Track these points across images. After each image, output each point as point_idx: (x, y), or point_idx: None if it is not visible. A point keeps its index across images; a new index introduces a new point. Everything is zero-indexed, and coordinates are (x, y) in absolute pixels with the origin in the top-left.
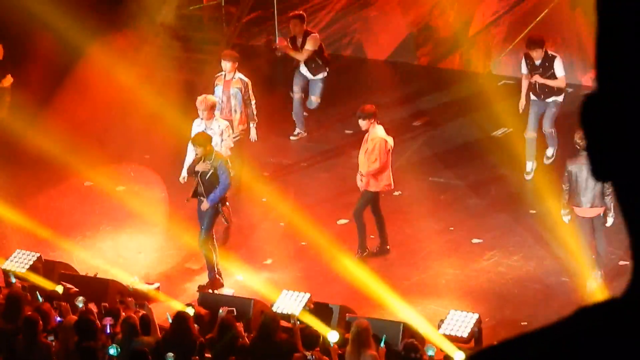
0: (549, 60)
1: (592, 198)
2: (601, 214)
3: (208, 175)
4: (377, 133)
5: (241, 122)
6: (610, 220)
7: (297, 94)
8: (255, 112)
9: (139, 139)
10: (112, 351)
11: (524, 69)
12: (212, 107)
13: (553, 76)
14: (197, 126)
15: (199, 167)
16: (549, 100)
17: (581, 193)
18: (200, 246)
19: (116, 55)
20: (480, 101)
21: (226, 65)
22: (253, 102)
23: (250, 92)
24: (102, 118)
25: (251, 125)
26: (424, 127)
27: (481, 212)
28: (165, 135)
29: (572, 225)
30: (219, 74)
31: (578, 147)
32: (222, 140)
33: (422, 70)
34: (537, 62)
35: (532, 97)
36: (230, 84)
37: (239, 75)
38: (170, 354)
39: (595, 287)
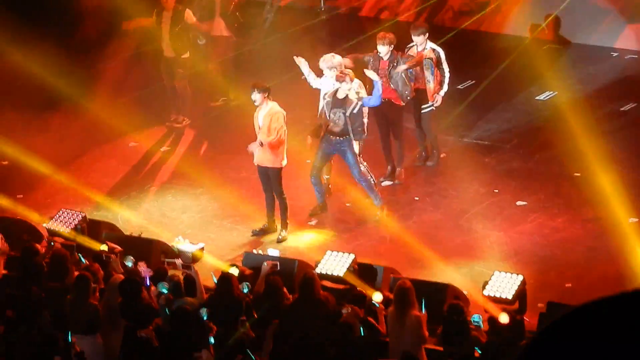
0: None
1: None
2: None
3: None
4: (275, 108)
5: (435, 92)
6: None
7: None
8: (447, 81)
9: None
10: (163, 289)
11: None
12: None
13: None
14: (322, 82)
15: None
16: None
17: None
18: (359, 178)
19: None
20: (525, 65)
21: (417, 39)
22: (446, 71)
23: (444, 61)
24: (149, 80)
25: (440, 93)
26: (469, 90)
27: (525, 174)
28: (208, 99)
29: (616, 188)
30: (411, 45)
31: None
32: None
33: (466, 34)
34: None
35: None
36: (422, 54)
37: (430, 45)
38: (204, 309)
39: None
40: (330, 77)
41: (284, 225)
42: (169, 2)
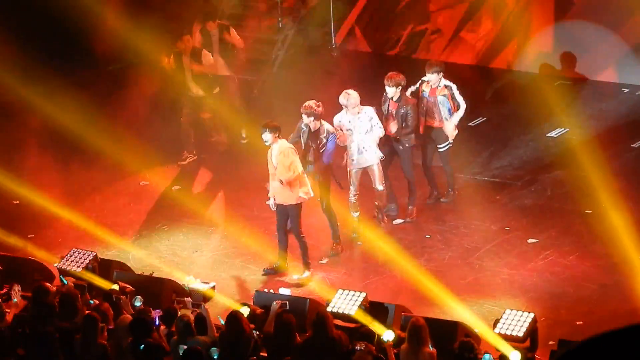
0: None
1: None
2: None
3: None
4: (284, 144)
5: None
6: None
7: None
8: (461, 113)
9: (194, 138)
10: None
11: None
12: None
13: None
14: (340, 118)
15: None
16: None
17: None
18: (325, 211)
19: (170, 57)
20: (537, 101)
21: (432, 77)
22: (462, 102)
23: (457, 95)
24: (158, 118)
25: (453, 120)
26: (480, 127)
27: (537, 212)
28: (220, 134)
29: (627, 225)
30: (423, 80)
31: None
32: (372, 126)
33: (477, 70)
34: None
35: None
36: (436, 91)
37: (443, 82)
38: (215, 349)
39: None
40: (352, 112)
41: (307, 266)
42: (186, 47)
